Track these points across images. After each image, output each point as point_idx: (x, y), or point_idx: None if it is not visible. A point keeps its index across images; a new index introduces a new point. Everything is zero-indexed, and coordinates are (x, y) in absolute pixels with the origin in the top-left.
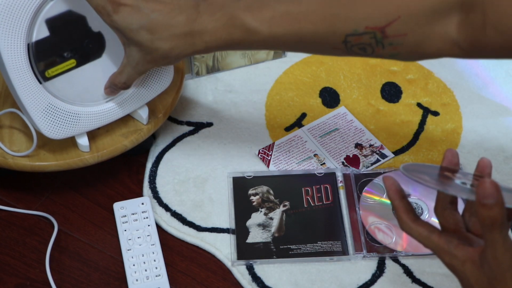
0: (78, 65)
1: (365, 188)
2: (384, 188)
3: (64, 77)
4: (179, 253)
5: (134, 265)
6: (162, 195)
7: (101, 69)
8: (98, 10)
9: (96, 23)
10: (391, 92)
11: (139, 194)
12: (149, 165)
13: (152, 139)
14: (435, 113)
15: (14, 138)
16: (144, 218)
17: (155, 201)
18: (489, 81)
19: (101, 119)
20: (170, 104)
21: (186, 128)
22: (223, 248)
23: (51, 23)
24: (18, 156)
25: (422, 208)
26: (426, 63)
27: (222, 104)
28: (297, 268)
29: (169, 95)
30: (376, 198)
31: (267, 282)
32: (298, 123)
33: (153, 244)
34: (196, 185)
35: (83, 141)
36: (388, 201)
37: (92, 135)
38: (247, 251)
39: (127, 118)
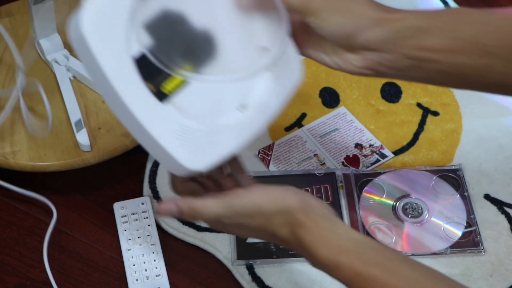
0: (195, 71)
1: (365, 188)
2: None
3: (186, 89)
4: (179, 253)
5: (134, 265)
6: (162, 195)
7: (221, 70)
8: None
9: (197, 19)
10: (391, 92)
11: (139, 194)
12: (149, 165)
13: None
14: (435, 113)
15: (16, 138)
16: (144, 218)
17: (155, 201)
18: None
19: (244, 132)
20: None
21: None
22: (223, 248)
23: (150, 28)
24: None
25: (422, 208)
26: None
27: None
28: (297, 268)
29: None
30: (376, 198)
31: (267, 281)
32: (298, 123)
33: (153, 244)
34: None
35: (84, 141)
36: (388, 201)
37: (93, 135)
38: (247, 251)
39: None
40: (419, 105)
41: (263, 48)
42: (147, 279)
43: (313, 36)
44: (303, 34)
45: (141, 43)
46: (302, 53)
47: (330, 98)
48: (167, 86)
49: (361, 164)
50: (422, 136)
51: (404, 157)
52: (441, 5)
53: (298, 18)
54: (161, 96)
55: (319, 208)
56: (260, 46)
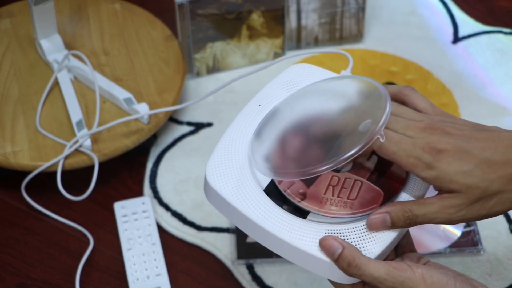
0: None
1: None
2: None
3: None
4: (179, 253)
5: (134, 264)
6: (162, 195)
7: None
8: (411, 166)
9: (311, 128)
10: None
11: (140, 194)
12: (149, 165)
13: (153, 139)
14: None
15: (17, 139)
16: (144, 217)
17: (156, 200)
18: (488, 81)
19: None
20: (171, 104)
21: (187, 128)
22: (223, 247)
23: (269, 158)
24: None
25: None
26: (425, 63)
27: (222, 104)
28: (296, 268)
29: (170, 95)
30: None
31: (267, 281)
32: None
33: (154, 244)
34: (196, 185)
35: (85, 141)
36: None
37: (94, 135)
38: (247, 251)
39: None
40: None
41: (367, 122)
42: (148, 278)
43: None
44: None
45: (264, 172)
46: None
47: None
48: (304, 202)
49: None
50: None
51: None
52: (440, 6)
53: None
54: (303, 212)
55: None
56: (365, 122)
